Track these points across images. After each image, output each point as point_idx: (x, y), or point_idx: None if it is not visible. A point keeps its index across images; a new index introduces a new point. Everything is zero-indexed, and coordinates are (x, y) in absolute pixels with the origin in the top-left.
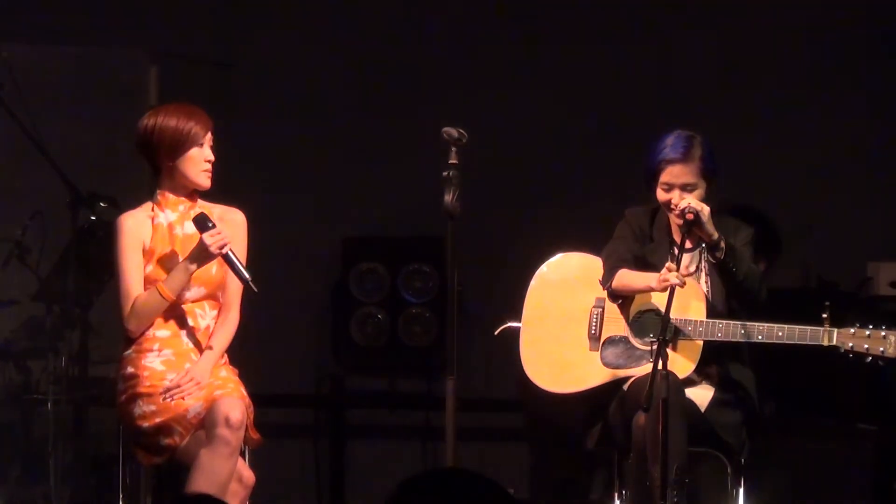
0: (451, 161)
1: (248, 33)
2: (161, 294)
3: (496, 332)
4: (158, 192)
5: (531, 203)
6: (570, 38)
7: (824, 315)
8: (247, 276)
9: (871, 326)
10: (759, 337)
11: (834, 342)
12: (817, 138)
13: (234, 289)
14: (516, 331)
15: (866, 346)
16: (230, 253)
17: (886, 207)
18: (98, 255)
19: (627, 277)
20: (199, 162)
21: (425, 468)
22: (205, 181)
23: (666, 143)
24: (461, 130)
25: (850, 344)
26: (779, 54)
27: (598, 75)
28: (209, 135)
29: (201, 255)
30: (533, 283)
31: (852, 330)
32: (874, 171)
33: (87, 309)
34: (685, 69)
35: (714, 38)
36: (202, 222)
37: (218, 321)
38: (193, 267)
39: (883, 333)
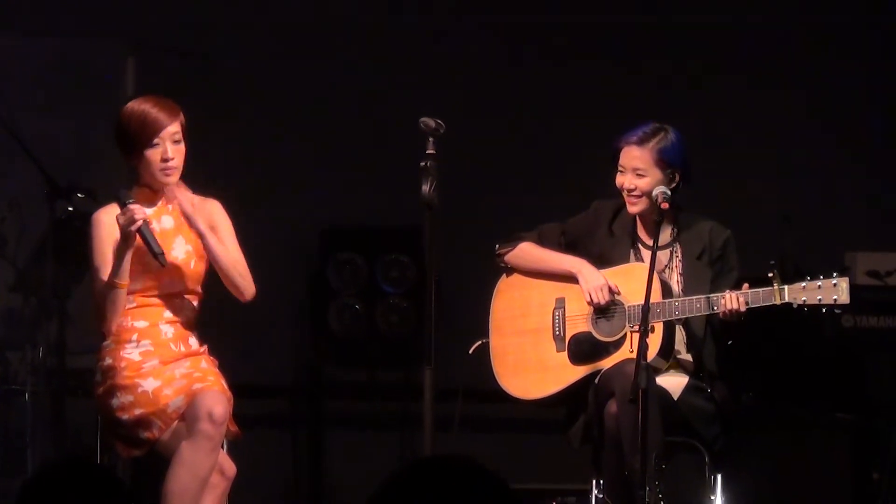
0: (428, 151)
1: (226, 23)
2: (112, 285)
3: (471, 351)
4: (136, 186)
5: (509, 193)
6: (548, 26)
7: (770, 274)
8: (157, 250)
9: (821, 276)
10: (715, 308)
11: (786, 299)
12: (794, 128)
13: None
14: (488, 345)
15: (819, 297)
16: (143, 229)
17: (864, 197)
18: (76, 246)
19: (535, 251)
20: (153, 162)
21: (403, 458)
22: (164, 178)
23: (638, 126)
24: (438, 121)
25: (803, 298)
26: (755, 44)
27: (578, 64)
28: (168, 130)
29: (122, 234)
30: (496, 292)
31: (803, 284)
32: (852, 160)
33: (64, 299)
34: (662, 59)
35: (692, 28)
36: (121, 202)
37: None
38: (125, 245)
39: (834, 281)
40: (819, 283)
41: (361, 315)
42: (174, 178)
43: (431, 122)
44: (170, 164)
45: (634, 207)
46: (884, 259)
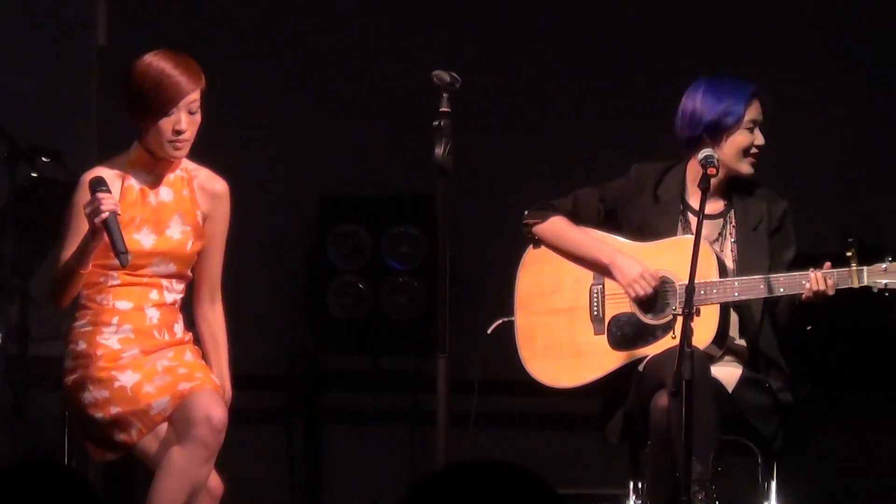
0: (442, 109)
1: None
2: (71, 269)
3: (489, 331)
4: (138, 145)
5: (533, 155)
6: None
7: (849, 254)
8: (120, 248)
9: None
10: (781, 290)
11: (865, 282)
12: (859, 87)
13: (218, 273)
14: (511, 325)
15: None
16: (108, 222)
17: None
18: (39, 217)
19: (567, 230)
20: (164, 132)
21: (412, 457)
22: (172, 152)
23: (735, 80)
24: (454, 74)
25: (884, 281)
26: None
27: (608, 14)
28: (187, 98)
29: (89, 225)
30: (522, 264)
31: (884, 265)
32: None
33: (26, 278)
34: (705, 7)
35: None
36: (91, 188)
37: (212, 317)
38: (91, 237)
39: None
40: None
41: (365, 295)
42: (183, 152)
43: (446, 76)
44: (182, 136)
45: (754, 168)
46: None
